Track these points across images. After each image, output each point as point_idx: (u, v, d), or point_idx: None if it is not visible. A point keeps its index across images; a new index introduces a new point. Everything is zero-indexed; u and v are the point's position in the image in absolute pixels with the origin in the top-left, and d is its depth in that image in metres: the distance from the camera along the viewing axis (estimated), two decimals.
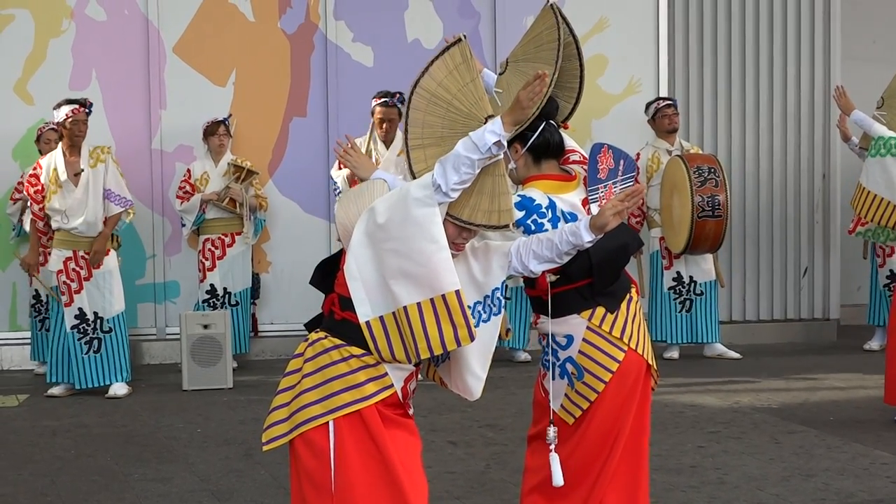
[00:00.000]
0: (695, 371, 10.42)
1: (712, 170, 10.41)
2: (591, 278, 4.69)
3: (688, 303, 11.00)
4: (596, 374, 4.70)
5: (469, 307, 4.18)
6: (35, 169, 9.69)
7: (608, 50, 11.87)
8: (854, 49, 12.74)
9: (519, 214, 4.57)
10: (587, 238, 4.29)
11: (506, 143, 4.13)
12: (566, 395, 4.74)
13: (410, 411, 4.32)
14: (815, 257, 12.46)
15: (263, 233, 11.21)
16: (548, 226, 4.60)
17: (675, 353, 11.10)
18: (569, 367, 4.73)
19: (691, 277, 11.01)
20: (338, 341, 4.17)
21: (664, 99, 11.26)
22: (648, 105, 11.19)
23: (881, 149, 8.23)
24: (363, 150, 10.00)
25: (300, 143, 11.43)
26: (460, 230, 4.21)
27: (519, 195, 4.64)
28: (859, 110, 8.81)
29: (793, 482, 6.72)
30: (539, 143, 4.74)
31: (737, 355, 11.09)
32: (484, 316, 4.25)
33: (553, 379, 4.76)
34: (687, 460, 7.24)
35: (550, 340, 4.76)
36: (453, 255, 4.15)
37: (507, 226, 4.25)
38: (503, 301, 4.33)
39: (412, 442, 4.26)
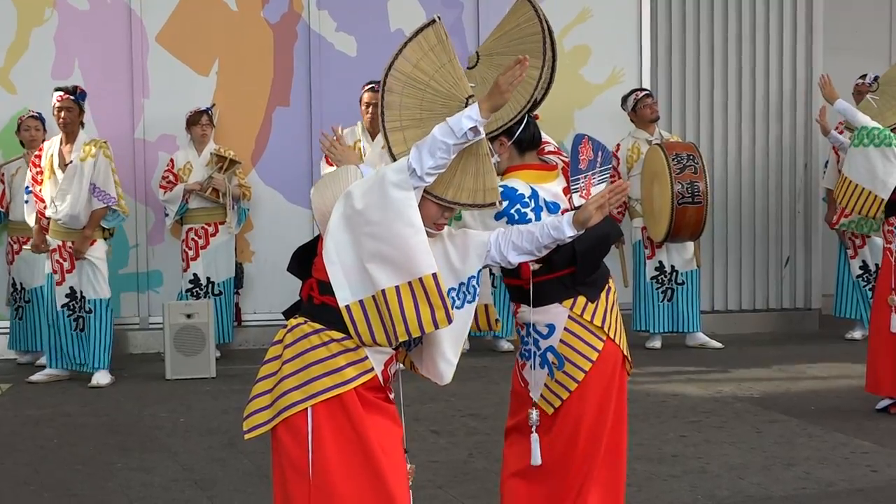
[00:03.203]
0: (677, 360, 10.45)
1: (691, 157, 10.45)
2: (573, 267, 4.70)
3: (669, 292, 11.03)
4: (576, 364, 4.71)
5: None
6: (40, 150, 9.72)
7: (591, 40, 11.89)
8: (835, 39, 12.78)
9: (502, 204, 4.58)
10: (569, 233, 4.32)
11: (482, 130, 4.11)
12: (546, 384, 4.76)
13: (391, 395, 4.32)
14: (797, 247, 12.50)
15: (247, 222, 11.21)
16: (531, 215, 4.61)
17: (657, 343, 11.14)
18: (549, 356, 4.73)
19: (673, 267, 11.04)
20: (317, 326, 4.17)
21: (641, 90, 11.30)
22: (625, 98, 11.22)
23: (864, 139, 8.23)
24: (351, 144, 10.07)
25: (283, 133, 11.42)
26: (442, 210, 4.21)
27: (501, 185, 4.63)
28: (843, 100, 8.80)
29: (774, 471, 6.75)
30: (525, 136, 4.76)
31: (719, 345, 11.12)
32: (458, 303, 4.25)
33: (533, 369, 4.77)
34: (669, 449, 7.26)
35: (531, 330, 4.77)
36: (430, 236, 4.17)
37: (493, 204, 4.25)
38: (478, 289, 4.33)
39: (393, 428, 4.25)
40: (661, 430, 7.79)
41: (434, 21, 4.34)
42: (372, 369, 4.17)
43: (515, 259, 4.37)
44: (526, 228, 4.39)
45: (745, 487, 6.45)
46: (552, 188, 4.74)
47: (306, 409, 4.12)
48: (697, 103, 12.30)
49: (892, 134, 8.18)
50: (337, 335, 4.14)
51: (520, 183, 4.68)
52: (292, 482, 4.16)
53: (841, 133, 9.58)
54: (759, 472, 6.74)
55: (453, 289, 4.28)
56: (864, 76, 11.19)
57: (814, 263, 12.55)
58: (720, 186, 12.27)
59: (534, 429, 4.73)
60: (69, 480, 6.77)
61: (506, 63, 4.52)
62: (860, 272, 11.30)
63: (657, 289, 11.04)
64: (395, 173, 4.07)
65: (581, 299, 4.73)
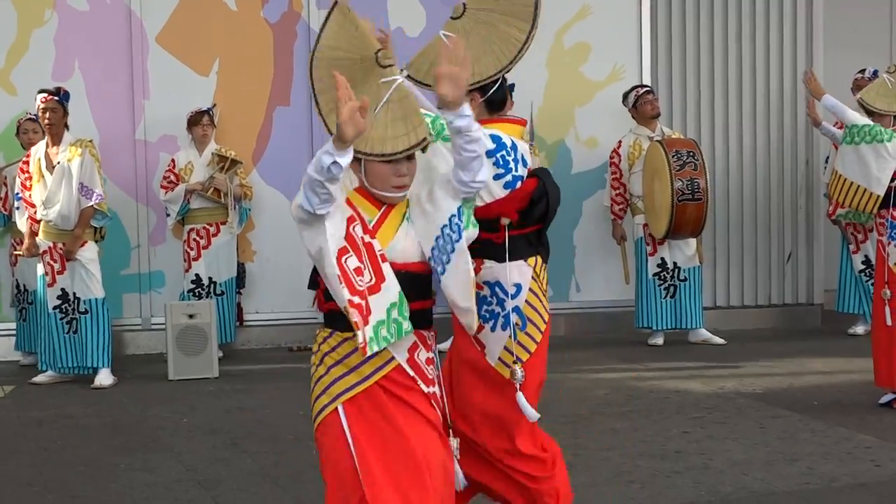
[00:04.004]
0: (679, 357, 10.46)
1: (691, 153, 10.45)
2: (540, 224, 4.72)
3: (672, 289, 11.03)
4: (536, 324, 4.74)
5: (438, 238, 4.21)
6: (27, 156, 9.71)
7: (591, 37, 11.89)
8: (835, 36, 12.78)
9: (491, 145, 4.58)
10: (456, 117, 4.16)
11: (343, 164, 3.94)
12: (505, 347, 4.72)
13: (428, 388, 4.27)
14: (799, 242, 12.51)
15: (248, 222, 11.21)
16: (512, 164, 4.63)
17: (659, 340, 11.14)
18: (513, 317, 4.71)
19: (675, 263, 11.04)
20: (330, 330, 4.24)
21: (641, 86, 11.31)
22: (626, 94, 11.23)
23: (855, 136, 8.23)
24: None
25: (284, 133, 11.43)
26: (393, 166, 4.16)
27: (490, 134, 4.62)
28: (830, 95, 8.77)
29: (777, 466, 6.75)
30: (497, 97, 4.78)
31: (721, 341, 11.13)
32: (449, 247, 4.21)
33: (493, 331, 4.73)
34: (672, 445, 7.26)
35: (497, 289, 4.72)
36: (394, 203, 4.20)
37: (425, 139, 4.11)
38: (461, 226, 4.23)
39: (421, 424, 4.23)
40: (664, 426, 7.79)
41: (335, 3, 4.35)
42: (392, 359, 4.19)
43: (466, 176, 4.21)
44: (440, 149, 4.36)
45: (749, 483, 6.44)
46: (523, 145, 4.77)
47: (336, 408, 4.18)
48: (698, 100, 12.30)
49: (882, 130, 8.17)
50: (349, 334, 4.16)
51: (503, 134, 4.69)
52: (333, 481, 4.21)
53: (837, 127, 9.56)
54: (762, 467, 6.74)
55: (438, 237, 4.23)
56: (862, 71, 11.19)
57: (816, 259, 12.56)
58: (722, 182, 12.28)
59: (519, 386, 4.67)
60: (72, 481, 6.77)
61: (493, 20, 4.53)
62: (862, 267, 11.29)
63: (659, 285, 11.04)
64: (296, 210, 4.09)
65: (539, 259, 4.76)
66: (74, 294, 9.59)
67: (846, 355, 10.24)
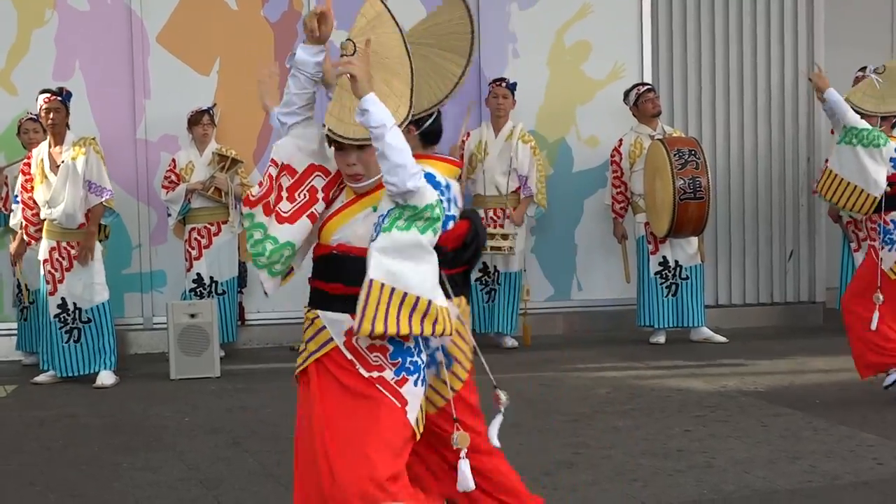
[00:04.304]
0: (681, 355, 10.45)
1: (693, 152, 10.45)
2: (466, 265, 4.74)
3: (674, 287, 11.02)
4: (462, 363, 4.75)
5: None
6: (28, 158, 9.72)
7: (592, 36, 11.89)
8: (836, 33, 12.78)
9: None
10: (364, 102, 4.22)
11: (298, 55, 4.39)
12: (430, 385, 4.68)
13: (370, 373, 4.28)
14: (801, 240, 12.52)
15: None
16: (447, 205, 4.60)
17: (661, 338, 11.13)
18: (438, 355, 4.68)
19: (677, 262, 11.03)
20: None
21: (642, 84, 11.30)
22: (627, 92, 11.22)
23: (853, 138, 8.19)
24: None
25: None
26: (342, 153, 4.29)
27: (425, 173, 4.61)
28: (834, 90, 8.72)
29: (780, 465, 6.75)
30: (433, 129, 4.78)
31: (723, 339, 11.13)
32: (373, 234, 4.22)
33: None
34: (674, 444, 7.26)
35: None
36: (361, 195, 4.30)
37: (324, 125, 4.30)
38: (382, 223, 4.20)
39: (347, 399, 4.28)
40: (666, 424, 7.79)
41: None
42: (331, 339, 4.30)
43: (390, 178, 4.18)
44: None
45: (751, 481, 6.44)
46: (456, 186, 4.76)
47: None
48: (699, 97, 12.30)
49: (879, 134, 8.15)
50: (306, 308, 4.38)
51: (437, 172, 4.67)
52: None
53: None
54: (764, 465, 6.74)
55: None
56: (863, 69, 11.16)
57: (817, 257, 12.56)
58: (723, 180, 12.28)
59: (463, 453, 4.52)
60: (75, 481, 6.77)
61: (430, 55, 4.62)
62: None
63: (661, 284, 11.04)
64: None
65: (464, 300, 4.77)
66: (75, 304, 9.59)
67: (848, 353, 10.12)
